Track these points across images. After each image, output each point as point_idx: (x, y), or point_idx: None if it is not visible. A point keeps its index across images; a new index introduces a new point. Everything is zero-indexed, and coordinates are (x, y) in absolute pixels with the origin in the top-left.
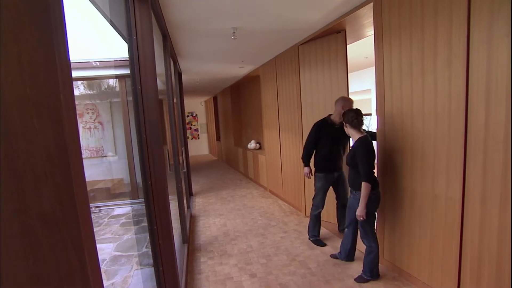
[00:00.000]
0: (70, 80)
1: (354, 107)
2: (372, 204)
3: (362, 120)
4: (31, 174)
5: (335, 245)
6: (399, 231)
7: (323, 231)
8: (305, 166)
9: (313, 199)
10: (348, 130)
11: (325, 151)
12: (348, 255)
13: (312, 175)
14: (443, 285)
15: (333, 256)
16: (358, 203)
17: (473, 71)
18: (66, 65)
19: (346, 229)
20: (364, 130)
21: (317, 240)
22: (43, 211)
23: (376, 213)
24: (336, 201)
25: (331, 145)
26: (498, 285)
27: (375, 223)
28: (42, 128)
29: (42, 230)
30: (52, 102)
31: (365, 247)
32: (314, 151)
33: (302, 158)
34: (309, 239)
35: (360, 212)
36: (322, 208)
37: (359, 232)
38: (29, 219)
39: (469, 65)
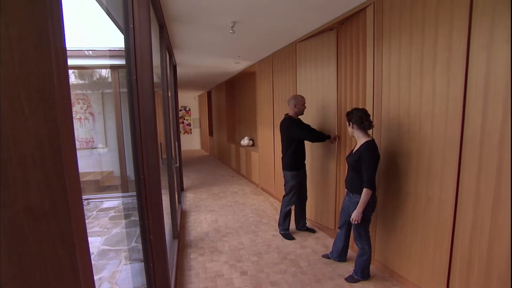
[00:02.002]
0: (65, 61)
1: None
2: (369, 208)
3: (372, 122)
4: (18, 163)
5: (326, 244)
6: (391, 232)
7: (317, 230)
8: (328, 138)
9: (284, 196)
10: (354, 131)
11: (301, 148)
12: (340, 255)
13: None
14: (432, 286)
15: (324, 256)
16: (354, 205)
17: (471, 75)
18: (61, 44)
19: (339, 230)
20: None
21: (287, 234)
22: (31, 204)
23: (371, 216)
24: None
25: (302, 142)
26: (486, 286)
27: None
28: (33, 113)
29: (28, 224)
30: (44, 84)
31: (357, 248)
32: (286, 150)
33: (320, 139)
34: (280, 232)
35: (356, 216)
36: (293, 204)
37: (352, 234)
38: (15, 213)
39: (468, 69)
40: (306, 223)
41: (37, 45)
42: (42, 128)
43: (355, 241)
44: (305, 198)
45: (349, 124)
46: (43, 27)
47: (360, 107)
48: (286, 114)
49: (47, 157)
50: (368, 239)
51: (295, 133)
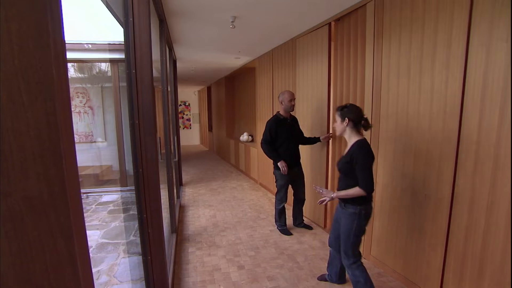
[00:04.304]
0: (63, 54)
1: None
2: (364, 221)
3: (369, 122)
4: (17, 154)
5: (323, 240)
6: (387, 228)
7: (313, 227)
8: (277, 161)
9: (276, 194)
10: (347, 129)
11: (285, 147)
12: (339, 277)
13: (286, 168)
14: (427, 282)
15: (321, 279)
16: (346, 216)
17: (470, 73)
18: (59, 37)
19: (331, 249)
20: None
21: (284, 229)
22: (29, 194)
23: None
24: (293, 197)
25: (289, 141)
26: (479, 283)
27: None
28: (32, 105)
29: (27, 215)
30: (43, 76)
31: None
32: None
33: (269, 156)
34: (277, 228)
35: (326, 194)
36: (286, 201)
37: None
38: (14, 203)
39: (466, 67)
40: (303, 221)
41: (36, 38)
42: (41, 120)
43: (343, 260)
44: (303, 198)
45: (343, 120)
46: (42, 20)
47: (358, 103)
48: (277, 112)
49: (46, 149)
50: (358, 253)
51: (262, 137)
